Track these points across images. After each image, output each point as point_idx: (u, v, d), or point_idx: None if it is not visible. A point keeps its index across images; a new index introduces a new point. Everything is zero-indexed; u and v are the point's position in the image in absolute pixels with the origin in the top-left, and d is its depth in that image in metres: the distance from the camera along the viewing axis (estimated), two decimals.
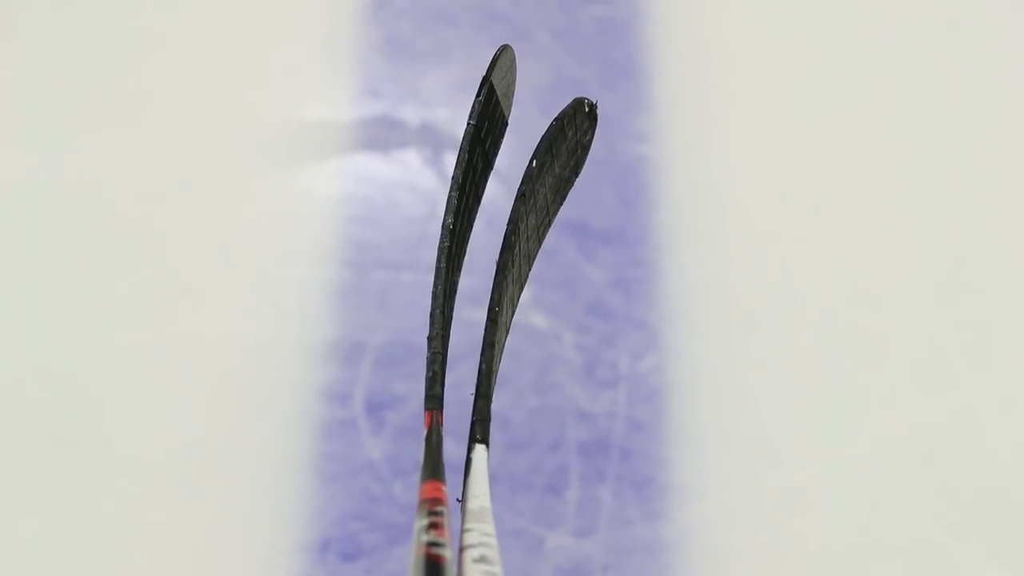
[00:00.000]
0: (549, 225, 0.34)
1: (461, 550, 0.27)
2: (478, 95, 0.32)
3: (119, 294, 0.73)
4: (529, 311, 0.72)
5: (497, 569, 0.26)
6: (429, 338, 0.30)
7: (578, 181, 0.36)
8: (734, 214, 0.78)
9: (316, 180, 0.78)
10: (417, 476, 0.66)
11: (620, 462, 0.68)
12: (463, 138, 0.32)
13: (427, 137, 0.79)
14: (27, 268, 0.73)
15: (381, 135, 0.79)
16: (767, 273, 0.75)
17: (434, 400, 0.29)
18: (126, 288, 0.73)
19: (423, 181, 0.78)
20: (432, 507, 0.27)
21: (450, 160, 0.78)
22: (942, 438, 0.70)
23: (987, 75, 0.84)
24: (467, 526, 0.27)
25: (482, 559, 0.26)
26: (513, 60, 0.34)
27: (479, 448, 0.29)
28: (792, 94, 0.83)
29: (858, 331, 0.73)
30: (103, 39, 0.82)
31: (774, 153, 0.80)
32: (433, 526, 0.26)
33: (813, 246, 0.77)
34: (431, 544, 0.26)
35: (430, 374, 0.29)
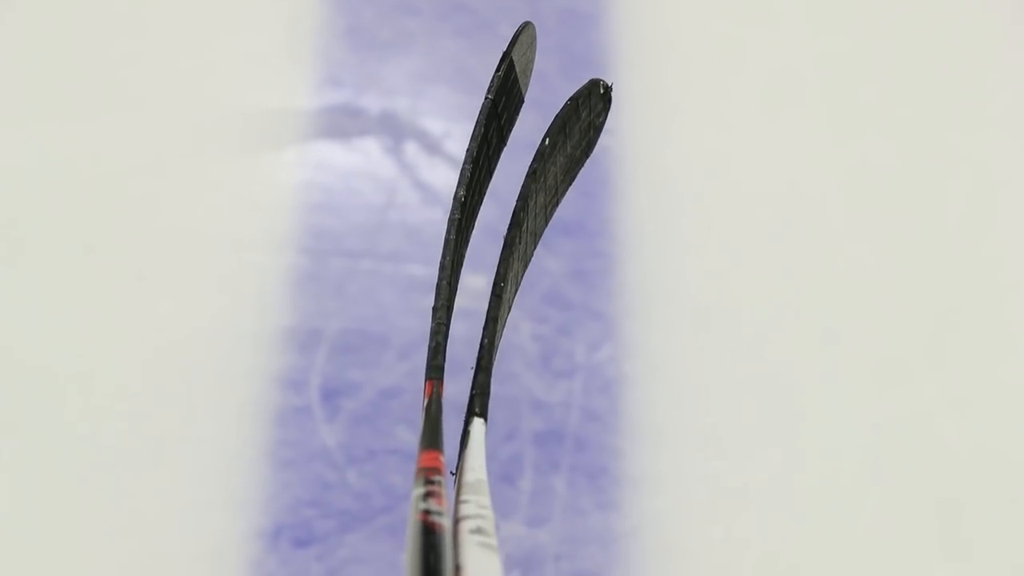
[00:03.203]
0: (557, 204, 0.34)
1: (457, 521, 0.26)
2: (497, 70, 0.32)
3: (75, 279, 0.72)
4: (486, 300, 0.72)
5: (493, 541, 0.26)
6: (434, 309, 0.30)
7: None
8: (693, 207, 0.78)
9: (275, 167, 0.77)
10: (372, 464, 0.66)
11: (574, 452, 0.68)
12: (480, 112, 0.32)
13: (387, 126, 0.79)
14: None
15: (341, 123, 0.79)
16: (725, 267, 0.76)
17: (436, 370, 0.29)
18: (82, 273, 0.72)
19: (383, 170, 0.78)
20: (430, 476, 0.27)
21: (410, 149, 0.78)
22: (897, 437, 0.71)
23: (947, 70, 0.86)
24: (463, 498, 0.27)
25: (479, 531, 0.26)
26: (534, 37, 0.33)
27: (477, 422, 0.30)
28: (753, 88, 0.84)
29: (815, 327, 0.74)
30: (59, 25, 0.81)
31: (734, 147, 0.81)
32: (430, 495, 0.26)
33: (771, 241, 0.77)
34: (428, 512, 0.25)
35: (433, 344, 0.29)
